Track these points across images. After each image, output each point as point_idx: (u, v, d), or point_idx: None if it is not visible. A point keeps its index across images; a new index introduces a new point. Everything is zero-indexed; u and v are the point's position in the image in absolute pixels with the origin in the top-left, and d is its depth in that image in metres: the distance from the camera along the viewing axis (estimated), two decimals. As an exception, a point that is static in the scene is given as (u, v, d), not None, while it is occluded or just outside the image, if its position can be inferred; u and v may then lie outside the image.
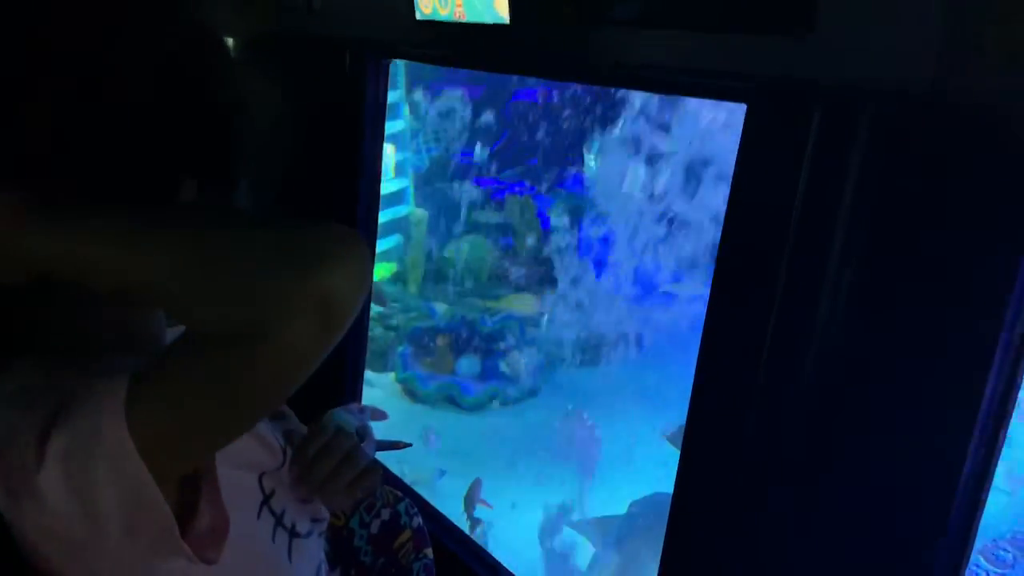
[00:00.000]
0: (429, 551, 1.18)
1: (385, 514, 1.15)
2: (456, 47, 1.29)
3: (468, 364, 4.08)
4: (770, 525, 0.99)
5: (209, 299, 0.53)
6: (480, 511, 2.70)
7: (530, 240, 4.16)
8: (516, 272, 4.16)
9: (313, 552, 0.82)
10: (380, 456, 1.48)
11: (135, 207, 0.58)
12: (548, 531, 2.94)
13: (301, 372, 0.56)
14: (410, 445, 1.56)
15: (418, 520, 1.18)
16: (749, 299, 0.98)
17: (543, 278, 4.08)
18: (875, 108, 0.84)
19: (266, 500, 0.75)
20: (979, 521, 0.86)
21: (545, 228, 4.12)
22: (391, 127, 4.14)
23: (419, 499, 1.59)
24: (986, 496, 0.86)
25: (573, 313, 3.91)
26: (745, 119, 1.00)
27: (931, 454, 0.85)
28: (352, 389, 1.66)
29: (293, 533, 0.78)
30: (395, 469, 1.73)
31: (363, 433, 1.39)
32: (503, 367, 3.98)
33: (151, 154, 0.62)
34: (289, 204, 1.59)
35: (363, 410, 1.41)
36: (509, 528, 2.94)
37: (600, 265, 3.89)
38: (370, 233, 1.59)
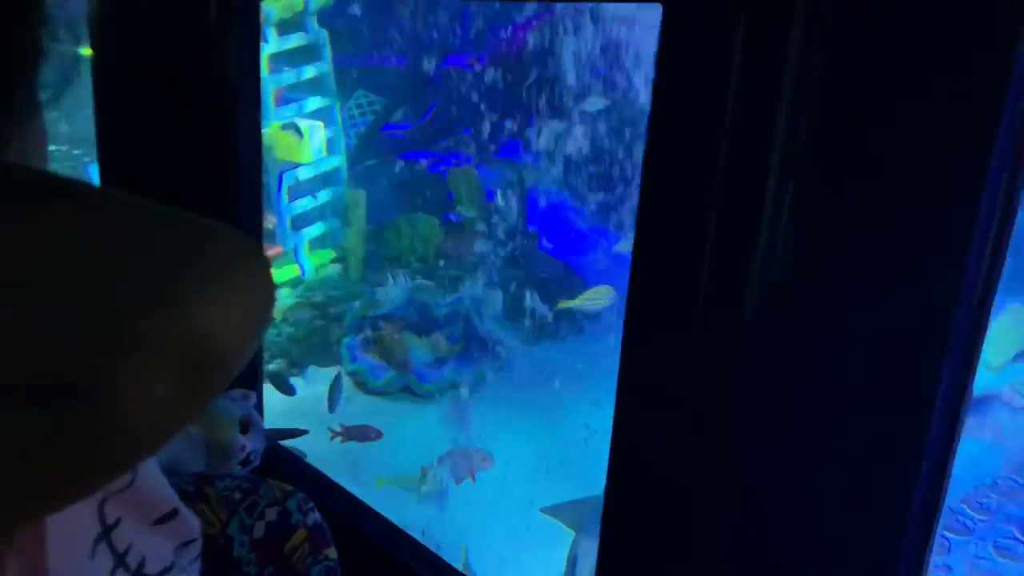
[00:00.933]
0: (331, 551, 1.01)
1: (271, 514, 0.97)
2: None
3: (422, 351, 3.90)
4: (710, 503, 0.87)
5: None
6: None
7: (475, 213, 3.99)
8: (462, 248, 3.99)
9: None
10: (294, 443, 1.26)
11: None
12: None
13: (150, 444, 0.40)
14: (306, 432, 1.39)
15: (314, 516, 1.00)
16: (678, 239, 0.85)
17: (491, 252, 3.93)
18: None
19: (105, 533, 0.60)
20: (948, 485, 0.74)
21: (489, 200, 3.95)
22: (317, 103, 3.91)
23: (334, 486, 1.41)
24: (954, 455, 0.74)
25: (528, 288, 3.77)
26: (662, 23, 0.86)
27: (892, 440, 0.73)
28: (250, 372, 1.47)
29: (139, 574, 0.63)
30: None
31: (247, 423, 1.22)
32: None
33: None
34: (147, 190, 1.38)
35: (248, 396, 1.24)
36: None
37: (547, 231, 3.76)
38: (254, 214, 1.38)
